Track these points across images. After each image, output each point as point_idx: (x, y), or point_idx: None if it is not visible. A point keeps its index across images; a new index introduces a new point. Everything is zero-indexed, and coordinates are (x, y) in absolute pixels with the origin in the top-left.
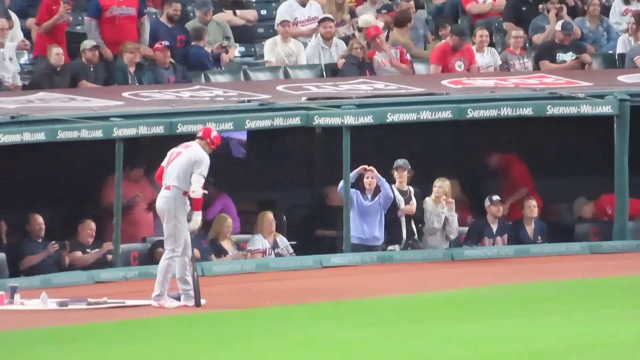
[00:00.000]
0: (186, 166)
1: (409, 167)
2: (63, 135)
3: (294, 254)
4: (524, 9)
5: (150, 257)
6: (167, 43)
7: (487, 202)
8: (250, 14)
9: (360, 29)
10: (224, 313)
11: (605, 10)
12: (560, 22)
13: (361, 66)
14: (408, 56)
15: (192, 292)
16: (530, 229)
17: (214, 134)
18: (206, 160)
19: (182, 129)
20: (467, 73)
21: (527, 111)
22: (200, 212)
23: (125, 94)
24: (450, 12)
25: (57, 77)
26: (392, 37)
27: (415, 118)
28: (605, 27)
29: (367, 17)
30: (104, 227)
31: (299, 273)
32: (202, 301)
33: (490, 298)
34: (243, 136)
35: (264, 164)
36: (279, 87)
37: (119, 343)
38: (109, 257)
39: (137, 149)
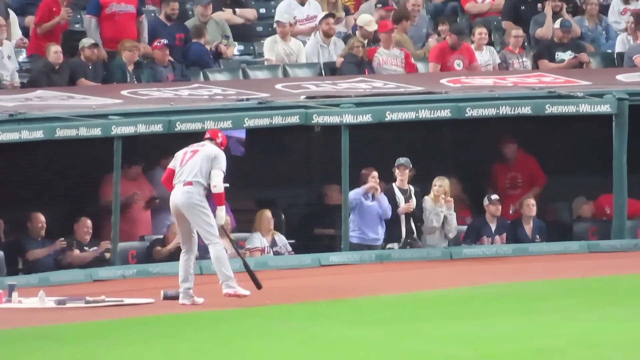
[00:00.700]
0: (206, 163)
1: (411, 165)
2: (61, 133)
3: (293, 253)
4: (522, 7)
5: (149, 255)
6: (165, 41)
7: (485, 201)
8: (250, 13)
9: (358, 27)
10: (222, 312)
11: (604, 9)
12: (558, 20)
13: (360, 65)
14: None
15: (191, 291)
16: (528, 228)
17: (220, 134)
18: (223, 157)
19: (180, 127)
20: (466, 72)
21: (525, 110)
22: (223, 207)
23: (124, 92)
24: (449, 11)
25: (55, 75)
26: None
27: (414, 117)
28: (604, 26)
29: (366, 16)
30: (102, 226)
31: (297, 272)
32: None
33: (488, 297)
34: (242, 134)
35: (262, 162)
36: (278, 86)
37: (118, 342)
38: (107, 255)
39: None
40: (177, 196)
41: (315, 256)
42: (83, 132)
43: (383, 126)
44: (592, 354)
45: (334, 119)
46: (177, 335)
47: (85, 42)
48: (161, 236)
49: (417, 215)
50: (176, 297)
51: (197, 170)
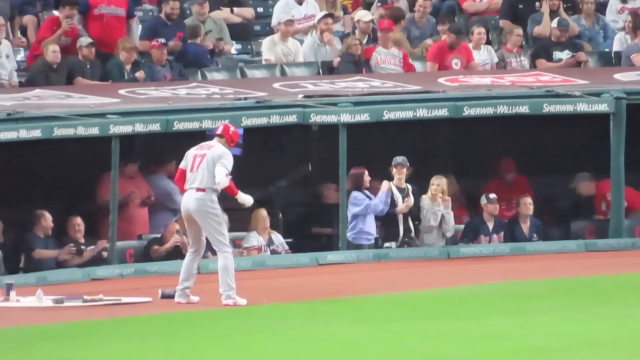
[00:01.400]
0: (212, 166)
1: (408, 164)
2: (59, 132)
3: (290, 251)
4: (520, 6)
5: (146, 254)
6: (163, 40)
7: (483, 200)
8: (247, 12)
9: (356, 23)
10: (219, 310)
11: (602, 8)
12: (556, 19)
13: (357, 64)
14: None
15: (188, 290)
16: (525, 226)
17: (232, 129)
18: (230, 156)
19: (178, 126)
20: (464, 71)
21: (523, 109)
22: (240, 193)
23: (122, 91)
24: (446, 9)
25: (53, 74)
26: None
27: (411, 116)
28: (602, 25)
29: (363, 11)
30: (100, 224)
31: (294, 270)
32: None
33: (486, 295)
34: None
35: (260, 161)
36: (276, 85)
37: (115, 340)
38: (105, 254)
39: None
40: (190, 202)
41: (312, 255)
42: (81, 131)
43: (380, 125)
44: (589, 353)
45: (331, 118)
46: (175, 334)
47: (83, 41)
48: (159, 235)
49: (414, 214)
50: (173, 296)
51: (207, 176)
